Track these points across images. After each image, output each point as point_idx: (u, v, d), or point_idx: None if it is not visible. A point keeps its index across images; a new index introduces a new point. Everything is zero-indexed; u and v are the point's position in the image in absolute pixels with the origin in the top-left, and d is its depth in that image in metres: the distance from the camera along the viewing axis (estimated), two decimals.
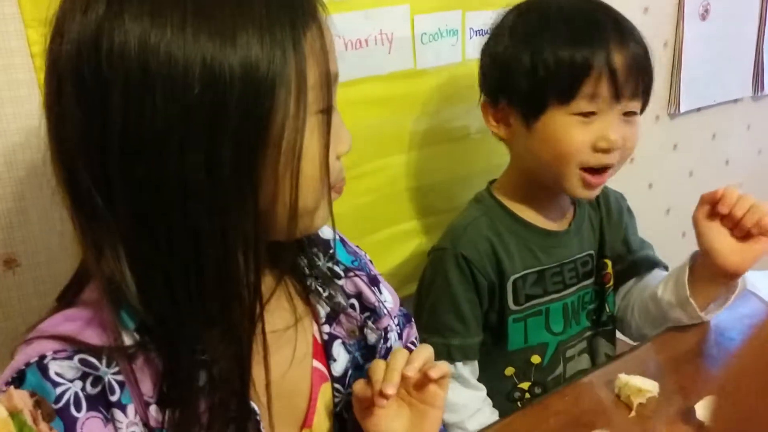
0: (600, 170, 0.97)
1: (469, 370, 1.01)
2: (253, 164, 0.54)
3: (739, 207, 0.93)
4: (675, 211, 1.88)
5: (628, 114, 0.97)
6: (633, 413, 0.82)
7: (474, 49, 1.19)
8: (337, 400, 0.73)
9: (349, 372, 0.74)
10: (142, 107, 0.51)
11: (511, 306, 1.02)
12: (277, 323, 0.68)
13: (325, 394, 0.72)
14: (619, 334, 1.17)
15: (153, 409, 0.58)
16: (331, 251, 0.76)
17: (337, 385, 0.73)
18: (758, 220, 0.92)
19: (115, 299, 0.57)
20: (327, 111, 0.58)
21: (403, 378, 0.65)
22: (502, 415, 1.01)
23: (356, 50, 1.07)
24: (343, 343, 0.74)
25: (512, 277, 1.01)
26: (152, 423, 0.58)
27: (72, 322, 0.58)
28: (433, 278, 1.02)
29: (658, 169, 1.78)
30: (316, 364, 0.72)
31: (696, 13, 1.66)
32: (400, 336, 0.81)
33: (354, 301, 0.75)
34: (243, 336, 0.59)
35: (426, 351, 0.69)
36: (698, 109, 1.80)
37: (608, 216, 1.15)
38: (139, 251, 0.55)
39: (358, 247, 0.83)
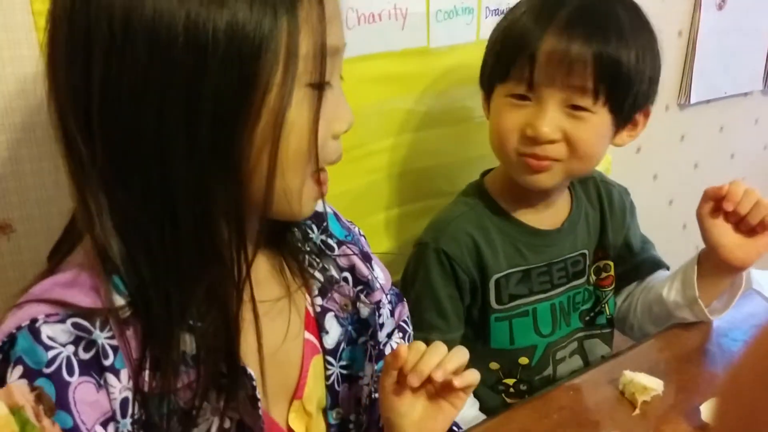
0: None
1: None
2: (232, 128, 0.53)
3: (744, 203, 0.92)
4: (677, 202, 1.87)
5: (576, 108, 0.91)
6: (637, 411, 0.81)
7: (489, 29, 1.15)
8: (329, 372, 0.72)
9: (342, 345, 0.73)
10: (123, 57, 0.51)
11: (494, 305, 1.00)
12: (268, 294, 0.68)
13: (316, 366, 0.71)
14: (618, 334, 1.15)
15: (146, 375, 0.57)
16: (324, 224, 0.75)
17: (329, 358, 0.72)
18: (764, 217, 0.91)
19: (107, 261, 0.56)
20: (319, 85, 0.56)
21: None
22: (487, 406, 1.01)
23: (369, 24, 1.03)
24: (336, 316, 0.73)
25: (495, 276, 0.99)
26: (145, 388, 0.57)
27: (64, 285, 0.57)
28: (415, 272, 1.00)
29: (663, 160, 1.76)
30: (308, 336, 0.71)
31: (713, 3, 1.63)
32: (392, 313, 0.80)
33: (347, 274, 0.75)
34: (228, 301, 0.59)
35: (461, 356, 0.68)
36: (708, 101, 1.78)
37: (611, 215, 1.11)
38: (119, 204, 0.55)
39: (351, 222, 0.82)
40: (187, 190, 0.54)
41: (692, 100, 1.70)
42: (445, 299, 0.98)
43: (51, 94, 0.55)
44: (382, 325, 0.75)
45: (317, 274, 0.72)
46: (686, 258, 2.00)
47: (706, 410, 0.78)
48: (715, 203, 0.94)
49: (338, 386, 0.73)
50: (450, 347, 0.96)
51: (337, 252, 0.74)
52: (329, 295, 0.73)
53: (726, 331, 1.00)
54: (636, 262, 1.13)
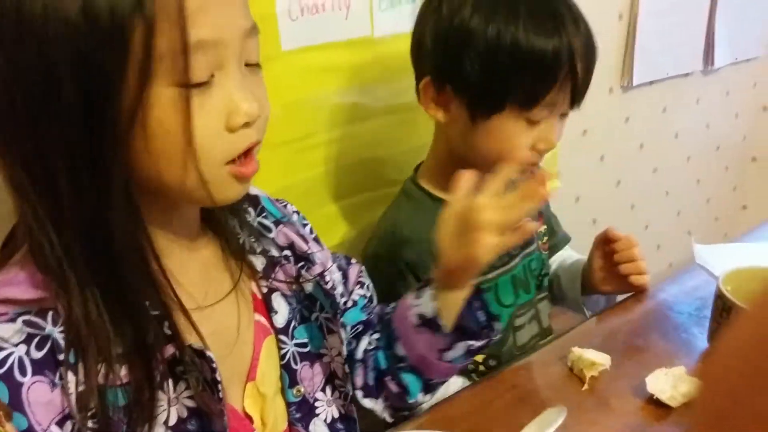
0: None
1: None
2: (97, 123, 0.53)
3: (624, 256, 1.04)
4: (624, 183, 1.91)
5: (564, 115, 0.96)
6: (586, 386, 0.83)
7: None
8: (283, 351, 0.73)
9: (293, 323, 0.74)
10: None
11: None
12: (218, 280, 0.69)
13: (269, 347, 0.72)
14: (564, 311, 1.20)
15: (102, 367, 0.56)
16: (260, 206, 0.76)
17: (281, 337, 0.73)
18: (630, 274, 1.04)
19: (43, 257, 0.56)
20: (186, 85, 0.54)
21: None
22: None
23: (312, 15, 1.03)
24: (283, 295, 0.74)
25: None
26: (102, 381, 0.57)
27: (7, 284, 0.57)
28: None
29: (609, 142, 1.80)
30: (258, 317, 0.72)
31: None
32: (345, 277, 0.83)
33: (287, 252, 0.75)
34: (160, 289, 0.60)
35: None
36: (650, 83, 1.82)
37: None
38: (28, 198, 0.55)
39: (283, 201, 0.82)
40: (75, 183, 0.54)
41: (635, 82, 1.73)
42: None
43: None
44: (333, 294, 0.75)
45: (259, 256, 0.73)
46: (633, 235, 2.05)
47: (652, 382, 0.80)
48: (608, 242, 1.06)
49: (295, 364, 0.73)
50: None
51: (274, 232, 0.75)
52: (273, 275, 0.73)
53: (671, 305, 1.02)
54: (557, 237, 1.21)
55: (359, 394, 0.81)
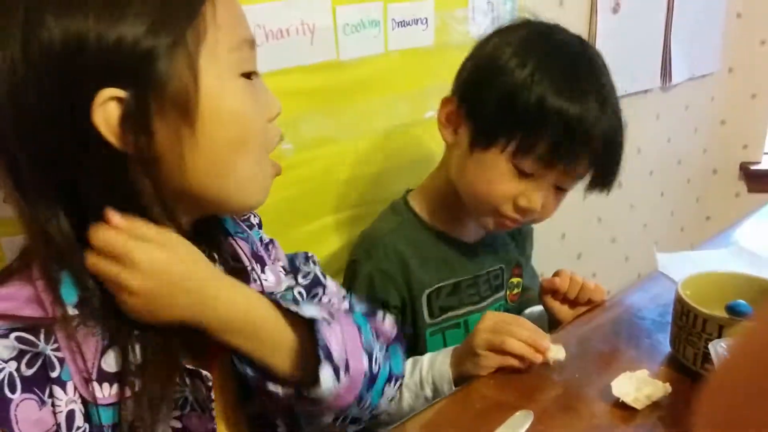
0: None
1: None
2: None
3: (571, 290, 1.05)
4: (591, 198, 1.94)
5: (561, 189, 0.99)
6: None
7: (396, 40, 1.20)
8: (237, 369, 0.70)
9: None
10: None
11: (427, 319, 1.04)
12: None
13: (222, 365, 0.69)
14: None
15: (93, 386, 0.57)
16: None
17: (234, 355, 0.70)
18: (589, 297, 1.06)
19: (54, 274, 0.57)
20: (248, 75, 0.62)
21: None
22: None
23: (277, 40, 1.05)
24: None
25: (426, 291, 1.02)
26: (90, 399, 0.58)
27: (5, 299, 0.57)
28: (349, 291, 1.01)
29: None
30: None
31: (608, 7, 1.72)
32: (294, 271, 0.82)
33: (235, 263, 0.73)
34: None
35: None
36: None
37: (521, 235, 1.19)
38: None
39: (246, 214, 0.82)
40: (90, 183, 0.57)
41: None
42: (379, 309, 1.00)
43: None
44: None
45: (218, 266, 0.71)
46: (601, 250, 2.08)
47: (617, 386, 0.82)
48: (551, 292, 1.07)
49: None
50: None
51: (225, 244, 0.73)
52: None
53: (635, 311, 1.05)
54: (529, 293, 1.21)
55: None
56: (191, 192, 0.61)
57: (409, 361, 0.98)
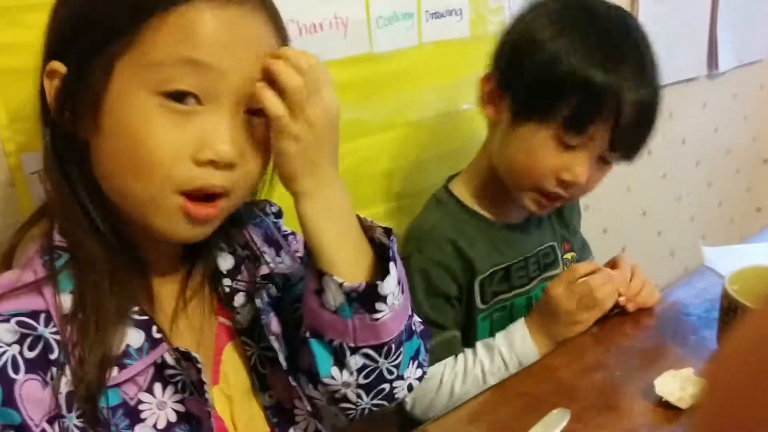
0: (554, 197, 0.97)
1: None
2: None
3: (632, 288, 1.02)
4: (634, 190, 1.90)
5: (605, 162, 0.97)
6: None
7: (430, 32, 1.18)
8: (248, 353, 0.72)
9: (258, 324, 0.71)
10: None
11: (479, 305, 1.02)
12: (177, 279, 0.70)
13: (232, 350, 0.71)
14: None
15: (84, 369, 0.58)
16: None
17: (244, 338, 0.71)
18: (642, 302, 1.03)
19: (52, 263, 0.60)
20: (166, 96, 0.58)
21: None
22: None
23: (311, 35, 1.05)
24: (248, 294, 0.72)
25: (479, 277, 1.01)
26: (84, 383, 0.58)
27: (5, 287, 0.59)
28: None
29: None
30: (222, 320, 0.72)
31: None
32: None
33: (248, 251, 0.74)
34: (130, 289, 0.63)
35: None
36: None
37: (569, 211, 1.17)
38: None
39: (262, 204, 0.81)
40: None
41: None
42: (441, 300, 0.99)
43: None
44: (272, 301, 0.73)
45: (228, 255, 0.72)
46: (646, 243, 2.04)
47: (661, 385, 0.80)
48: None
49: (263, 368, 0.72)
50: (453, 344, 1.00)
51: (238, 231, 0.74)
52: (238, 275, 0.72)
53: (681, 307, 1.02)
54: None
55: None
56: (107, 191, 0.62)
57: (480, 345, 0.98)
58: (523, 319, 0.99)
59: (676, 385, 0.79)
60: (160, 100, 0.57)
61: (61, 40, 0.61)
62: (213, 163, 0.59)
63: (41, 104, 0.63)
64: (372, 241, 0.69)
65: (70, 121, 0.60)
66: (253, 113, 0.62)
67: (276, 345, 0.70)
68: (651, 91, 0.93)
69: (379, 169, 1.20)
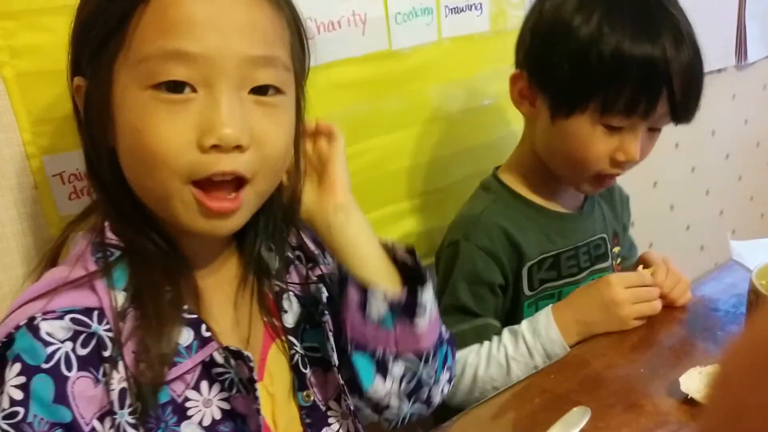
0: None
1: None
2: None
3: (668, 283, 1.00)
4: (662, 183, 1.87)
5: (654, 129, 0.96)
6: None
7: (450, 27, 1.17)
8: (292, 353, 0.72)
9: (303, 325, 0.73)
10: None
11: (526, 291, 1.01)
12: (229, 279, 0.71)
13: (278, 349, 0.72)
14: None
15: (142, 365, 0.59)
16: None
17: (290, 338, 0.72)
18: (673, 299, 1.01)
19: (106, 260, 0.61)
20: (157, 88, 0.58)
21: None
22: None
23: (329, 32, 1.05)
24: (295, 295, 0.73)
25: (528, 264, 1.00)
26: (142, 380, 0.59)
27: (58, 283, 0.60)
28: (450, 269, 0.99)
29: None
30: (268, 319, 0.72)
31: None
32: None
33: (299, 252, 0.76)
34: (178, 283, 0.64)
35: None
36: None
37: (620, 204, 1.17)
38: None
39: None
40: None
41: None
42: (483, 288, 0.98)
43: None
44: (332, 297, 0.74)
45: (274, 255, 0.73)
46: (674, 238, 2.00)
47: (686, 382, 0.78)
48: None
49: (304, 368, 0.72)
50: (484, 332, 0.99)
51: (286, 232, 0.75)
52: (287, 275, 0.74)
53: (708, 302, 1.00)
54: (626, 263, 1.17)
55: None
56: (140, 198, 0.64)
57: (506, 332, 0.97)
58: (549, 306, 0.97)
59: (703, 382, 0.78)
60: (154, 93, 0.58)
61: (76, 55, 0.63)
62: (218, 148, 0.58)
63: (76, 115, 0.66)
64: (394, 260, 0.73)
65: (98, 131, 0.62)
66: (259, 92, 0.61)
67: (332, 343, 0.71)
68: (694, 50, 0.92)
69: (400, 166, 1.19)
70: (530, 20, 0.98)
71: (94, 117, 0.62)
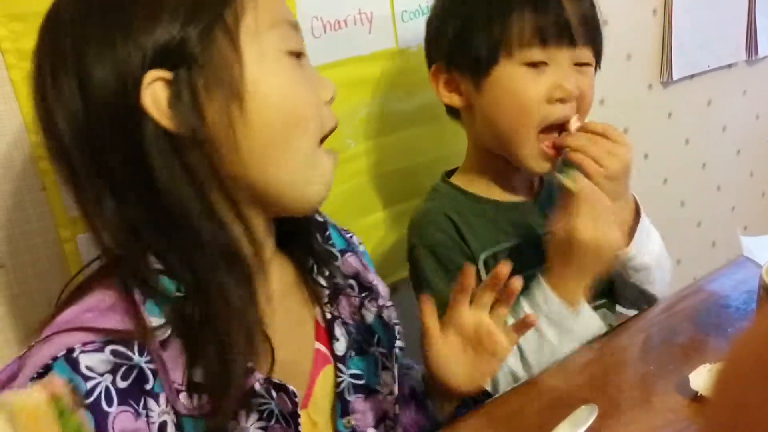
0: (559, 131, 0.94)
1: None
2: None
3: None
4: (672, 180, 1.86)
5: (581, 64, 0.94)
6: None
7: None
8: (339, 380, 0.72)
9: (350, 353, 0.74)
10: None
11: None
12: (285, 305, 0.69)
13: (326, 376, 0.72)
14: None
15: (183, 397, 0.58)
16: (327, 233, 0.76)
17: (339, 365, 0.72)
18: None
19: (141, 289, 0.58)
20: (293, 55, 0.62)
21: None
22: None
23: (335, 31, 1.05)
24: (345, 323, 0.74)
25: (482, 256, 0.98)
26: (182, 411, 0.58)
27: (94, 311, 0.58)
28: (418, 275, 0.99)
29: (652, 139, 1.76)
30: (318, 345, 0.72)
31: None
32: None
33: (352, 281, 0.75)
34: (248, 311, 0.60)
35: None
36: (691, 76, 1.77)
37: None
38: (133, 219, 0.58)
39: (348, 232, 0.83)
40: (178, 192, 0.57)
41: (675, 77, 1.69)
42: (447, 291, 0.97)
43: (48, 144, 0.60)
44: (392, 329, 0.76)
45: (325, 282, 0.73)
46: (685, 235, 1.99)
47: (696, 379, 0.78)
48: None
49: (349, 395, 0.73)
50: None
51: (340, 260, 0.75)
52: (337, 302, 0.74)
53: (718, 298, 0.99)
54: None
55: None
56: (247, 180, 0.61)
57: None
58: (540, 277, 0.92)
59: (712, 379, 0.77)
60: (289, 59, 0.61)
61: (157, 46, 0.56)
62: (331, 100, 0.67)
63: None
64: None
65: (197, 120, 0.57)
66: None
67: (394, 373, 0.74)
68: None
69: (407, 164, 1.20)
70: (428, 19, 1.02)
71: (197, 102, 0.57)
